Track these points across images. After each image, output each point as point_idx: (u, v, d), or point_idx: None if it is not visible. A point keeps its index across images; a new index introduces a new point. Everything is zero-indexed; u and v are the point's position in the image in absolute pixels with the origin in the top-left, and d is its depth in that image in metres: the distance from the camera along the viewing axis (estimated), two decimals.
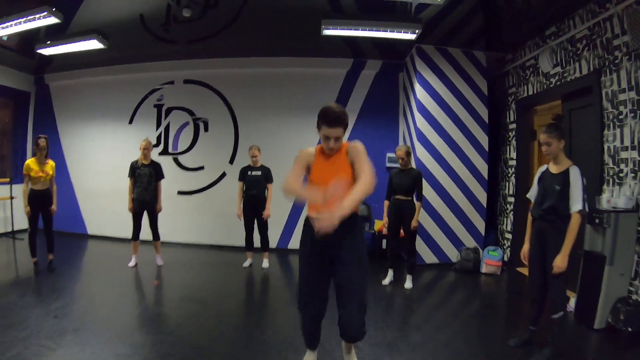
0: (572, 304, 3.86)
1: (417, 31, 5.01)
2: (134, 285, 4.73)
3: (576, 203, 2.80)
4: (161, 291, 4.58)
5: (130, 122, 6.84)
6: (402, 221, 4.56)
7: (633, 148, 3.63)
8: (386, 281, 4.77)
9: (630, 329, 3.24)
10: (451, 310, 4.25)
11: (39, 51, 6.12)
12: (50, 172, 4.91)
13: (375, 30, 5.06)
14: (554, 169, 3.00)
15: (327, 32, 5.10)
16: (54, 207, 4.97)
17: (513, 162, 5.55)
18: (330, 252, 2.44)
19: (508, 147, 5.70)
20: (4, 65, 6.78)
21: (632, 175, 3.65)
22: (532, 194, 3.19)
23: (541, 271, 3.01)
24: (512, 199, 5.57)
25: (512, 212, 5.53)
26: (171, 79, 6.69)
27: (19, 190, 6.76)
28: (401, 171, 4.60)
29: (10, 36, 6.45)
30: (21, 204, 6.82)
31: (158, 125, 6.74)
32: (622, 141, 3.77)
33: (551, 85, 4.78)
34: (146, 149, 5.22)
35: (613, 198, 3.70)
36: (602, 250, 3.55)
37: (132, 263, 5.32)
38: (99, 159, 6.97)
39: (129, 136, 6.72)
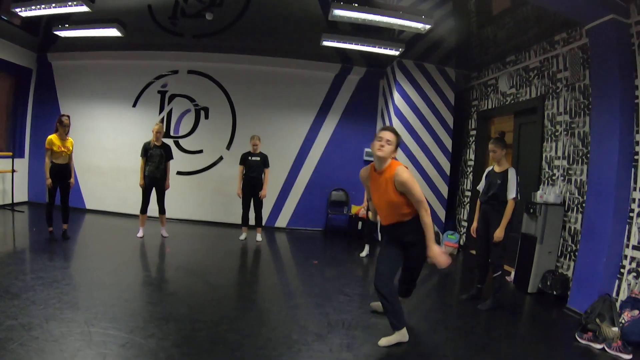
0: (512, 275, 4.97)
1: (400, 49, 5.87)
2: (143, 254, 5.32)
3: (511, 193, 3.90)
4: (170, 259, 5.21)
5: (134, 105, 7.29)
6: None
7: (564, 158, 4.71)
8: (363, 254, 5.76)
9: (555, 292, 4.32)
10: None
11: (56, 33, 6.20)
12: (70, 148, 5.22)
13: (366, 45, 5.89)
14: (497, 168, 4.08)
15: (326, 43, 5.84)
16: (72, 180, 5.30)
17: (472, 162, 6.63)
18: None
19: (468, 150, 6.78)
20: (7, 40, 6.76)
21: (562, 178, 4.74)
22: (480, 186, 4.28)
23: (485, 242, 4.09)
24: (469, 193, 6.65)
25: (468, 204, 6.63)
26: (175, 68, 7.21)
27: (19, 165, 7.14)
28: None
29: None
30: (21, 177, 7.22)
31: (161, 110, 7.26)
32: (556, 152, 4.86)
33: (506, 103, 5.85)
34: (159, 132, 5.75)
35: (545, 194, 4.77)
36: (534, 233, 4.64)
37: (140, 234, 5.84)
38: (100, 138, 7.32)
39: (133, 119, 7.22)
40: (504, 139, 4.17)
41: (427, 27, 4.96)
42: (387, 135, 2.97)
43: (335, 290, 4.21)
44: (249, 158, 6.00)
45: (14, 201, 6.94)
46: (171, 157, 5.92)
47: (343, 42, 5.86)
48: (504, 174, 3.98)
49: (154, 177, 5.72)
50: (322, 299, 3.93)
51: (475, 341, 3.29)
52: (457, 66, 6.66)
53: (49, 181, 5.08)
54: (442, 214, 6.68)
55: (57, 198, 5.23)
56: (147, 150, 5.71)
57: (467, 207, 6.67)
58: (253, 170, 5.96)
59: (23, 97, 7.49)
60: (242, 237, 6.23)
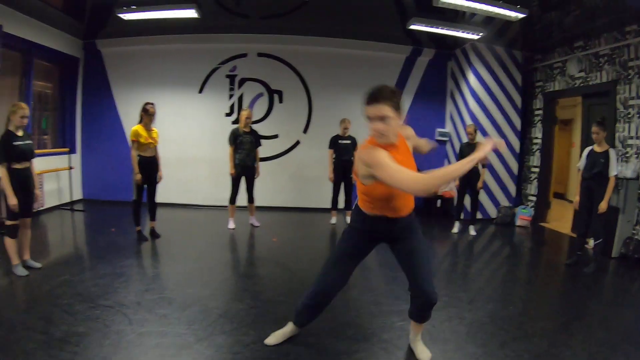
0: (591, 244, 6.55)
1: (480, 33, 7.15)
2: (248, 248, 6.04)
3: (613, 170, 5.28)
4: (282, 251, 5.72)
5: (200, 91, 8.09)
6: (470, 183, 6.79)
7: (637, 138, 6.24)
8: (455, 230, 7.11)
9: (636, 256, 5.91)
10: (509, 247, 6.77)
11: (119, 15, 6.63)
12: (157, 139, 5.59)
13: (450, 29, 7.03)
14: (598, 149, 5.42)
15: (413, 26, 6.94)
16: (160, 173, 5.68)
17: (537, 141, 8.15)
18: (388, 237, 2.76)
19: (533, 129, 8.29)
20: (51, 26, 6.95)
21: (635, 156, 6.29)
22: (580, 164, 5.63)
23: (587, 214, 5.50)
24: (536, 169, 8.21)
25: (535, 180, 8.20)
26: (244, 51, 8.05)
27: (75, 161, 7.76)
28: (469, 144, 6.81)
29: None
30: (75, 174, 7.86)
31: (231, 95, 8.12)
32: (629, 132, 6.39)
33: (575, 85, 7.32)
34: (248, 118, 6.39)
35: (623, 170, 6.31)
36: (616, 204, 6.19)
37: (231, 225, 6.54)
38: (162, 128, 7.64)
39: (200, 105, 8.05)
40: (604, 122, 5.60)
41: (521, 16, 6.24)
42: (381, 110, 2.25)
43: (467, 273, 5.34)
44: (339, 142, 7.00)
45: (73, 199, 7.59)
46: (260, 144, 6.63)
47: (430, 26, 6.95)
48: (606, 153, 5.35)
49: (246, 166, 6.38)
50: (463, 284, 4.75)
51: (600, 295, 4.74)
52: (523, 48, 8.02)
53: (139, 176, 5.40)
54: (512, 189, 8.21)
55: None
56: (236, 137, 6.32)
57: (535, 182, 8.24)
58: (344, 154, 6.93)
59: (71, 89, 7.89)
60: (333, 220, 7.30)
